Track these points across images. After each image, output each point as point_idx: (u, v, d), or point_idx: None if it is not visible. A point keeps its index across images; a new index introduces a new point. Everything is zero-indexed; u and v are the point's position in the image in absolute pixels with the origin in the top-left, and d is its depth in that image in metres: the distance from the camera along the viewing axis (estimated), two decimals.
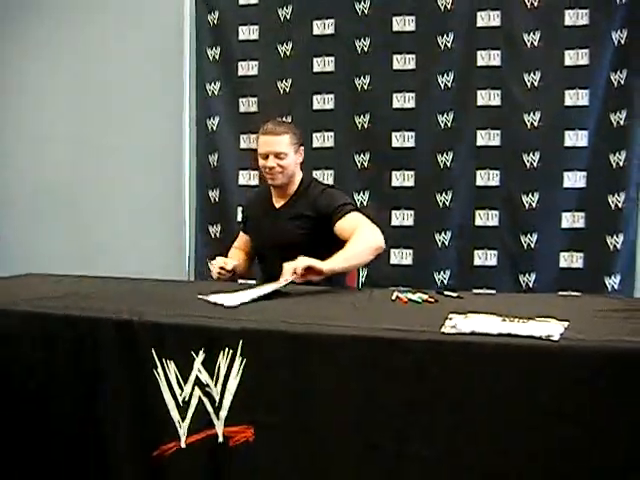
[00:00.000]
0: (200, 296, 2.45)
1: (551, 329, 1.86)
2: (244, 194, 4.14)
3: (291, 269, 2.60)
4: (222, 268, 3.10)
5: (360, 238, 2.87)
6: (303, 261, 2.61)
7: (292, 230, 3.12)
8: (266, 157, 3.12)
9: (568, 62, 3.86)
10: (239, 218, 3.48)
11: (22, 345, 2.29)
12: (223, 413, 2.04)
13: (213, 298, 2.41)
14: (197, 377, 2.06)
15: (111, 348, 2.17)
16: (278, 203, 3.24)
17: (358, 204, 3.98)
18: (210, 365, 2.05)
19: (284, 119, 4.10)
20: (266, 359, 2.01)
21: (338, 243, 2.92)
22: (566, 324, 1.92)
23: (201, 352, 2.05)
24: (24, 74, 5.01)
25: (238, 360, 2.01)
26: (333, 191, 3.20)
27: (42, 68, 4.95)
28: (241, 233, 3.46)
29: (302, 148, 3.20)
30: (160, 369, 2.10)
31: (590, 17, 3.82)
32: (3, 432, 2.30)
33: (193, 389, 2.07)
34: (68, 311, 2.29)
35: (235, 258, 3.28)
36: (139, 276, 3.14)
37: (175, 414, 2.09)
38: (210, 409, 2.05)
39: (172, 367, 2.09)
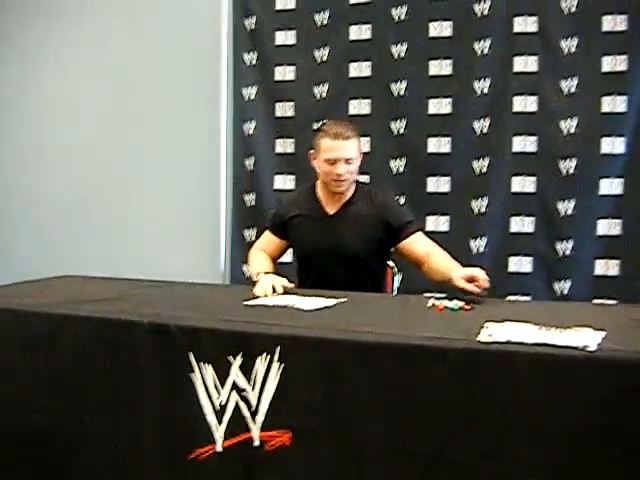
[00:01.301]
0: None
1: (587, 339, 1.85)
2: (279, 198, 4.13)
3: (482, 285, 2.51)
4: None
5: (449, 257, 2.90)
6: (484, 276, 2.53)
7: (352, 238, 3.04)
8: (334, 163, 2.95)
9: (606, 68, 3.81)
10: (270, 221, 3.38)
11: (58, 347, 2.33)
12: (260, 418, 2.05)
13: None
14: (234, 381, 2.08)
15: (148, 351, 2.20)
16: (331, 209, 3.11)
17: None
18: (247, 370, 2.07)
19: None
20: (303, 365, 2.02)
21: (388, 255, 3.13)
22: (603, 334, 1.91)
23: (239, 357, 2.07)
24: (58, 76, 5.09)
25: (275, 365, 2.03)
26: (400, 205, 3.19)
27: (79, 68, 5.02)
28: (270, 235, 3.26)
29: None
30: (197, 373, 2.13)
31: (628, 23, 3.77)
32: (37, 432, 2.34)
33: (230, 393, 2.09)
34: (105, 314, 2.33)
35: (262, 260, 3.15)
36: (174, 279, 3.17)
37: (212, 418, 2.11)
38: (247, 413, 2.07)
39: (209, 371, 2.11)
